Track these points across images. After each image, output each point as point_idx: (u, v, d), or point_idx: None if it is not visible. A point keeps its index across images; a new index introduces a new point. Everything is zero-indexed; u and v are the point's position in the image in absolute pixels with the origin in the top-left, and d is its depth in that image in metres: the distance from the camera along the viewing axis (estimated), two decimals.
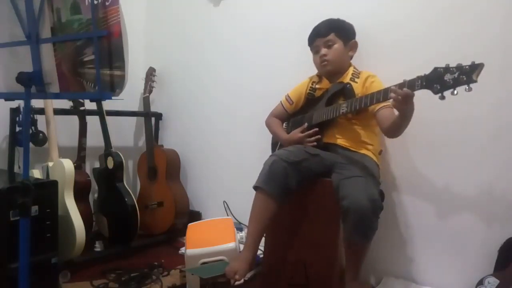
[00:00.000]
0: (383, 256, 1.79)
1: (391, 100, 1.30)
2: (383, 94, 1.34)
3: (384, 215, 1.70)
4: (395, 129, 1.46)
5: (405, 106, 1.28)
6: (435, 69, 1.20)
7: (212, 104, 2.46)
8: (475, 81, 1.12)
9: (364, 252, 1.46)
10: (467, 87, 1.13)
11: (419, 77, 1.23)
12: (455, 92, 1.15)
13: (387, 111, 1.52)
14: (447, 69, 1.17)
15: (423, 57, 1.67)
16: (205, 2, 2.44)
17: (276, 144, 1.89)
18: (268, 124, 1.90)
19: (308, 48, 1.73)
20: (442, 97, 1.18)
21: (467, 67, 1.13)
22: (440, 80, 1.17)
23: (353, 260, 1.48)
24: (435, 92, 1.18)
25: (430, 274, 1.68)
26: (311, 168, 1.52)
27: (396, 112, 1.51)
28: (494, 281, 1.39)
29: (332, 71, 1.68)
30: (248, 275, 1.71)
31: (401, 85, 1.26)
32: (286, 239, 1.59)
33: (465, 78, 1.13)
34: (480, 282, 1.42)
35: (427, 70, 1.63)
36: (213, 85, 2.45)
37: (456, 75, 1.14)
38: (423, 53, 1.67)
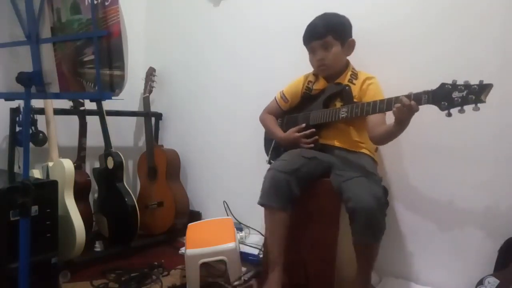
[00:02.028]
0: (383, 256, 1.78)
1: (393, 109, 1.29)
2: (386, 105, 1.33)
3: None
4: (387, 137, 1.46)
5: (407, 118, 1.27)
6: (443, 84, 1.19)
7: (212, 104, 2.46)
8: (484, 102, 1.12)
9: (374, 254, 1.44)
10: (474, 106, 1.13)
11: (425, 92, 1.22)
12: (462, 110, 1.15)
13: (378, 116, 1.49)
14: (454, 86, 1.16)
15: (423, 57, 1.68)
16: (205, 2, 2.44)
17: (269, 140, 1.87)
18: (262, 120, 1.88)
19: None
20: (449, 114, 1.18)
21: (475, 86, 1.13)
22: (447, 98, 1.17)
23: (364, 263, 1.45)
24: (442, 109, 1.18)
25: (430, 274, 1.68)
26: (310, 172, 1.51)
27: (385, 120, 1.51)
28: (494, 281, 1.39)
29: (330, 74, 1.67)
30: (247, 276, 1.72)
31: (406, 97, 1.25)
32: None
33: (473, 98, 1.13)
34: (480, 282, 1.42)
35: (427, 71, 1.66)
36: (213, 85, 2.45)
37: (464, 93, 1.14)
38: (423, 53, 1.67)
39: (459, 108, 1.16)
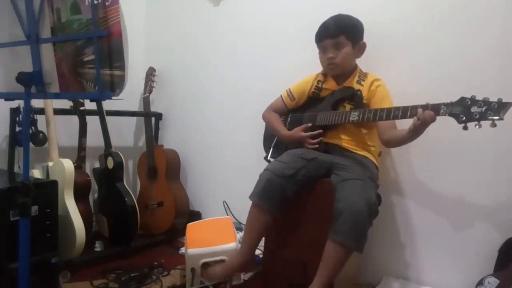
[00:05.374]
0: (383, 256, 1.79)
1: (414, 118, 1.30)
2: (402, 113, 1.33)
3: (384, 215, 1.70)
4: (399, 142, 1.46)
5: (424, 128, 1.29)
6: (462, 98, 1.22)
7: (212, 104, 2.46)
8: (502, 119, 1.14)
9: (344, 261, 1.36)
10: (491, 123, 1.15)
11: (444, 104, 1.24)
12: (479, 125, 1.18)
13: (389, 121, 1.48)
14: (474, 101, 1.19)
15: (422, 57, 1.68)
16: (205, 2, 2.44)
17: (270, 137, 1.86)
18: (266, 118, 1.87)
19: (308, 48, 1.72)
20: (466, 128, 1.20)
21: (495, 104, 1.15)
22: (466, 111, 1.20)
23: (328, 267, 1.37)
24: (460, 122, 1.21)
25: (430, 274, 1.68)
26: (308, 174, 1.50)
27: (395, 123, 1.52)
28: (494, 281, 1.39)
29: (339, 74, 1.67)
30: (247, 276, 1.72)
31: (423, 107, 1.27)
32: (286, 239, 1.59)
33: (492, 115, 1.15)
34: (480, 282, 1.42)
35: (426, 70, 1.66)
36: (213, 85, 2.44)
37: (483, 109, 1.17)
38: (422, 53, 1.67)
39: (476, 123, 1.18)
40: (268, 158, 1.85)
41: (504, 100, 1.15)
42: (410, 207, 1.74)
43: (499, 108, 1.14)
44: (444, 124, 1.57)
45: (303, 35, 1.72)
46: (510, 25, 1.48)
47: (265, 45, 2.19)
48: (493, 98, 1.18)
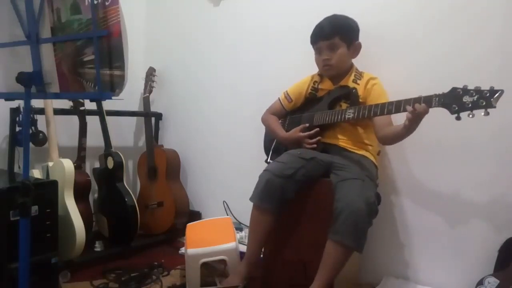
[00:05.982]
0: (383, 256, 1.79)
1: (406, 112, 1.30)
2: (395, 107, 1.33)
3: (384, 215, 1.70)
4: (395, 139, 1.46)
5: (417, 121, 1.28)
6: (454, 89, 1.21)
7: (212, 104, 2.46)
8: (494, 107, 1.14)
9: (344, 261, 1.37)
10: (484, 111, 1.15)
11: (436, 95, 1.24)
12: (472, 115, 1.17)
13: (385, 117, 1.49)
14: (466, 90, 1.19)
15: (422, 57, 1.68)
16: (205, 2, 2.44)
17: (271, 141, 1.87)
18: (264, 121, 1.87)
19: (308, 48, 1.72)
20: (458, 118, 1.19)
21: (486, 92, 1.15)
22: (458, 101, 1.19)
23: (328, 267, 1.36)
24: (452, 112, 1.20)
25: (430, 274, 1.68)
26: (308, 174, 1.50)
27: (391, 120, 1.52)
28: (494, 281, 1.39)
29: (334, 75, 1.67)
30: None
31: (416, 100, 1.26)
32: (286, 239, 1.59)
33: (484, 103, 1.15)
34: (480, 282, 1.42)
35: (426, 70, 1.66)
36: (213, 85, 2.45)
37: (475, 98, 1.17)
38: (422, 53, 1.67)
39: (469, 112, 1.18)
40: (268, 160, 1.86)
41: (495, 88, 1.14)
42: (410, 206, 1.74)
43: (491, 96, 1.14)
44: (445, 124, 1.57)
45: (303, 35, 1.72)
46: (510, 25, 1.48)
47: (265, 45, 2.19)
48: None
